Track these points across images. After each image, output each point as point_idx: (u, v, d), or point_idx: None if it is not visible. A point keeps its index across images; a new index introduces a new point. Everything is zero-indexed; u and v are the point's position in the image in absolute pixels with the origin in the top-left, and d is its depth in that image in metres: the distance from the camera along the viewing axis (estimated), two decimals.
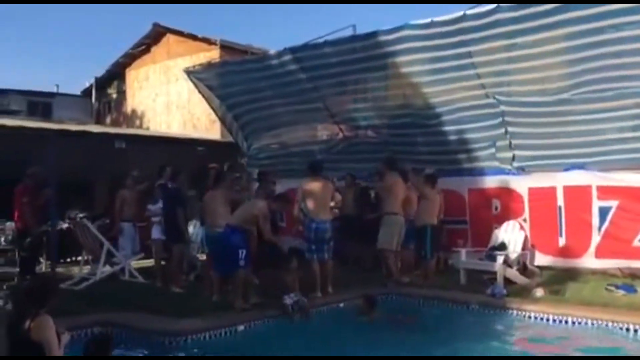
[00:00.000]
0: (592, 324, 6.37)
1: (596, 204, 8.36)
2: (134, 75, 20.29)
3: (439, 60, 8.49)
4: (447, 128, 9.46)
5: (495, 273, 7.92)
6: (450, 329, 6.63)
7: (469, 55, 8.21)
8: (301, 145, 11.62)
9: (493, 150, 9.25)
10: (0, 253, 11.33)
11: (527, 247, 8.78)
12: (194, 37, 17.71)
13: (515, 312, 6.94)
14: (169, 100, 18.95)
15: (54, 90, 23.24)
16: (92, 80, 21.93)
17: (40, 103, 21.21)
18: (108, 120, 21.81)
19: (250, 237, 7.09)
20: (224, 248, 7.04)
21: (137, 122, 20.03)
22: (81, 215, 10.26)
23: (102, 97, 22.22)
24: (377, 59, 9.01)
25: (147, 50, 19.55)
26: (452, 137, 9.53)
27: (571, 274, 8.30)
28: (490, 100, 8.71)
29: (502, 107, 8.68)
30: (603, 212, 8.30)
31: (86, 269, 9.32)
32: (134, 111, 20.36)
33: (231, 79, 11.05)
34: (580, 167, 8.54)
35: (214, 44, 17.04)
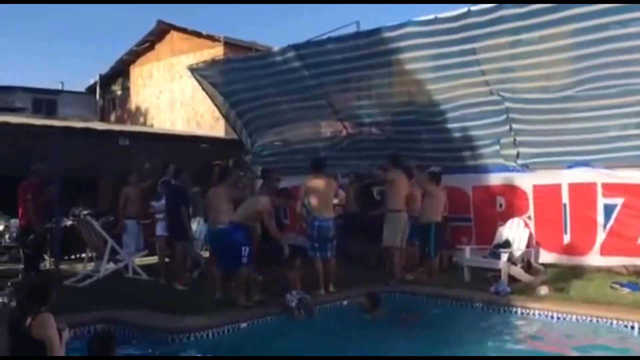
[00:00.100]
0: (597, 322, 6.33)
1: (601, 202, 8.33)
2: (138, 73, 20.31)
3: (443, 57, 8.46)
4: (451, 125, 9.42)
5: (499, 271, 7.90)
6: (453, 327, 6.61)
7: (474, 52, 8.18)
8: (305, 143, 11.60)
9: (497, 147, 9.21)
10: (5, 250, 11.43)
11: (532, 244, 8.75)
12: (198, 34, 17.71)
13: (519, 310, 6.91)
14: (172, 98, 18.96)
15: (59, 87, 23.30)
16: (97, 78, 21.97)
17: (45, 100, 21.28)
18: (112, 117, 21.86)
19: (253, 234, 7.09)
20: (226, 245, 7.03)
21: (141, 119, 20.06)
22: (85, 212, 10.30)
23: (107, 95, 22.27)
24: (380, 56, 8.99)
25: (151, 47, 19.57)
26: (456, 134, 9.49)
27: (576, 272, 8.26)
28: (495, 97, 8.67)
29: (507, 104, 8.64)
30: (608, 209, 8.26)
31: (90, 266, 9.34)
32: (138, 108, 20.39)
33: (235, 76, 11.04)
34: (585, 164, 8.50)
35: (218, 41, 17.03)
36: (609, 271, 8.23)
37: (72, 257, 10.84)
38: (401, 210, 8.34)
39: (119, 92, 21.79)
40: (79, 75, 49.26)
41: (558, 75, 8.04)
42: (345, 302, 7.46)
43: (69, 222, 10.51)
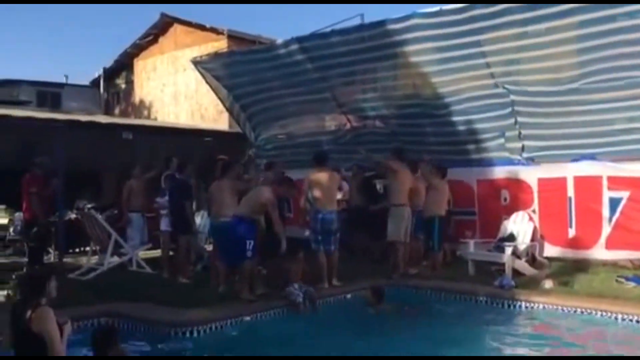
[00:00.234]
0: (602, 315, 6.31)
1: (607, 195, 8.25)
2: (141, 66, 20.29)
3: (448, 49, 8.39)
4: (455, 118, 9.36)
5: (503, 264, 7.88)
6: (457, 321, 6.58)
7: (479, 44, 8.11)
8: (309, 136, 11.56)
9: (502, 140, 9.15)
10: (9, 243, 11.47)
11: (536, 238, 8.71)
12: (201, 27, 17.65)
13: (523, 303, 6.89)
14: (176, 91, 18.94)
15: (63, 81, 23.30)
16: (101, 71, 21.96)
17: (49, 93, 21.27)
18: (117, 110, 21.86)
19: (257, 227, 7.07)
20: (230, 239, 7.01)
21: (145, 113, 20.06)
22: (89, 205, 10.31)
23: (111, 88, 22.26)
24: (385, 48, 8.92)
25: (154, 40, 19.52)
26: (461, 128, 9.43)
27: (581, 266, 8.22)
28: (500, 90, 8.61)
29: (512, 97, 8.58)
30: (614, 203, 8.19)
31: (94, 259, 9.35)
32: (142, 101, 20.39)
33: (238, 69, 10.99)
34: (591, 157, 8.43)
35: (222, 34, 16.96)
36: (614, 265, 8.20)
37: (76, 250, 10.87)
38: (405, 204, 8.31)
39: (123, 86, 21.79)
40: (83, 68, 49.24)
41: (564, 67, 7.97)
42: (348, 296, 7.45)
43: (73, 216, 10.54)
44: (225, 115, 14.64)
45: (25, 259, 9.21)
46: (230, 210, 7.22)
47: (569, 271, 8.03)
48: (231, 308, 6.50)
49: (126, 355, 4.53)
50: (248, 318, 6.32)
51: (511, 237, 8.55)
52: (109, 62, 21.58)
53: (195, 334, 5.78)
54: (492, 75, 8.52)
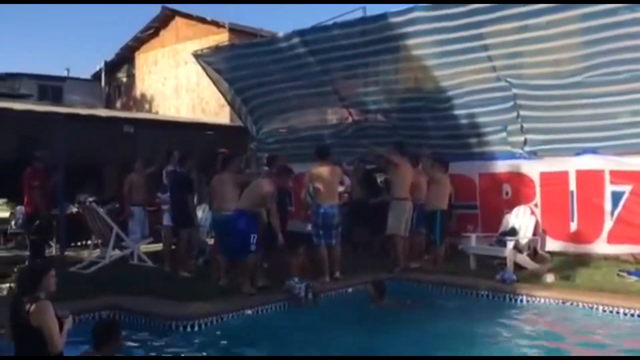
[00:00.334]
0: (604, 310, 6.30)
1: (609, 189, 8.24)
2: (143, 59, 20.24)
3: (450, 42, 8.36)
4: (457, 112, 9.34)
5: (505, 258, 7.87)
6: (458, 315, 6.58)
7: (481, 37, 8.08)
8: (310, 130, 11.53)
9: (504, 134, 9.13)
10: (11, 237, 11.49)
11: (538, 232, 8.71)
12: (203, 21, 17.59)
13: (525, 298, 6.88)
14: (178, 84, 18.90)
15: (65, 74, 23.27)
16: (102, 64, 21.92)
17: (50, 87, 21.24)
18: (118, 104, 21.83)
19: (259, 220, 7.05)
20: (232, 232, 6.99)
21: (147, 106, 20.03)
22: (90, 199, 10.30)
23: (112, 81, 22.22)
24: (387, 42, 8.89)
25: (155, 33, 19.46)
26: (463, 121, 9.41)
27: (582, 260, 8.21)
28: (502, 84, 8.58)
29: (514, 90, 8.55)
30: (616, 197, 8.18)
31: (95, 252, 9.35)
32: (143, 95, 20.35)
33: (239, 63, 10.96)
34: (593, 151, 8.41)
35: (223, 27, 16.89)
36: (616, 259, 8.19)
37: (78, 243, 10.88)
38: (406, 198, 8.30)
39: (124, 79, 21.75)
40: (84, 62, 49.13)
41: (566, 61, 7.93)
42: (350, 290, 7.45)
43: (74, 209, 10.53)
44: (227, 108, 14.61)
45: (27, 253, 9.22)
46: (232, 204, 7.21)
47: (571, 265, 8.01)
48: (232, 302, 6.51)
49: (121, 354, 4.49)
50: (249, 311, 6.33)
51: (513, 231, 8.54)
52: (110, 56, 21.57)
53: (196, 328, 5.78)
54: (494, 69, 8.49)
